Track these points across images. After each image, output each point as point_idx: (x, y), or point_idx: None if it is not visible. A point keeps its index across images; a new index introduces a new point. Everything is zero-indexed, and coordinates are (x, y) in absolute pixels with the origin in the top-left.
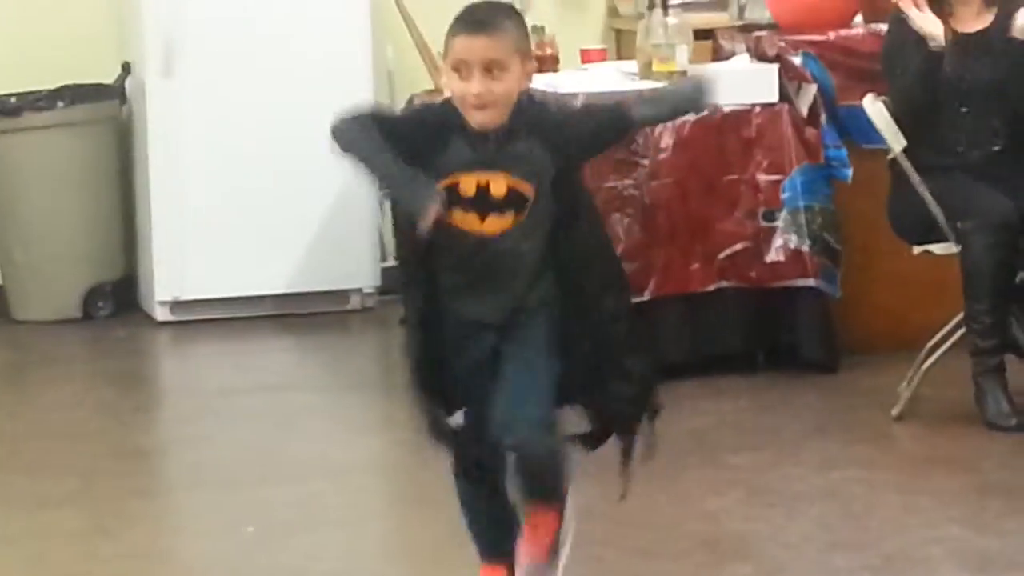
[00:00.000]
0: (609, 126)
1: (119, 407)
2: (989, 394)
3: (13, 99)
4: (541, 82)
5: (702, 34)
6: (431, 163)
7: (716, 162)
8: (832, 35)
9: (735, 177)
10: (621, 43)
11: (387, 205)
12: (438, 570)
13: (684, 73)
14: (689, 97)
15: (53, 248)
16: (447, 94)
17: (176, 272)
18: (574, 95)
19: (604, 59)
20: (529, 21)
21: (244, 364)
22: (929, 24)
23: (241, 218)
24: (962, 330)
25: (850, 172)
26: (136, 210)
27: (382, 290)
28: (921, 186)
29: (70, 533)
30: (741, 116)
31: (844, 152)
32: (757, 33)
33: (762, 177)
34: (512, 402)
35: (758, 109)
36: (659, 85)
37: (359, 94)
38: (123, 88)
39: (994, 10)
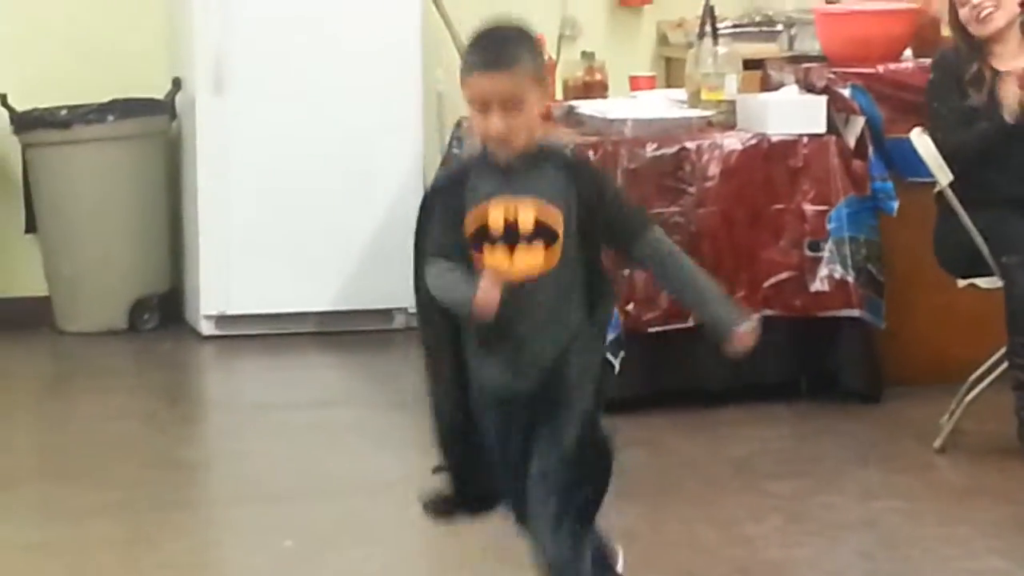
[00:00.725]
0: (625, 226)
1: (163, 419)
2: None
3: (64, 112)
4: (590, 108)
5: (751, 64)
6: (466, 205)
7: (763, 191)
8: (881, 68)
9: (781, 207)
10: (670, 71)
11: None
12: None
13: (733, 103)
14: (716, 301)
15: (100, 260)
16: None
17: (222, 286)
18: (623, 121)
19: (653, 86)
20: (579, 47)
21: (287, 380)
22: (1011, 96)
23: (287, 235)
24: (1005, 364)
25: (896, 204)
26: (183, 224)
27: None
28: (966, 219)
29: (112, 543)
30: (789, 146)
31: (890, 185)
32: (806, 64)
33: (808, 207)
34: (555, 515)
35: (806, 140)
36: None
37: (408, 115)
38: (173, 103)
39: None
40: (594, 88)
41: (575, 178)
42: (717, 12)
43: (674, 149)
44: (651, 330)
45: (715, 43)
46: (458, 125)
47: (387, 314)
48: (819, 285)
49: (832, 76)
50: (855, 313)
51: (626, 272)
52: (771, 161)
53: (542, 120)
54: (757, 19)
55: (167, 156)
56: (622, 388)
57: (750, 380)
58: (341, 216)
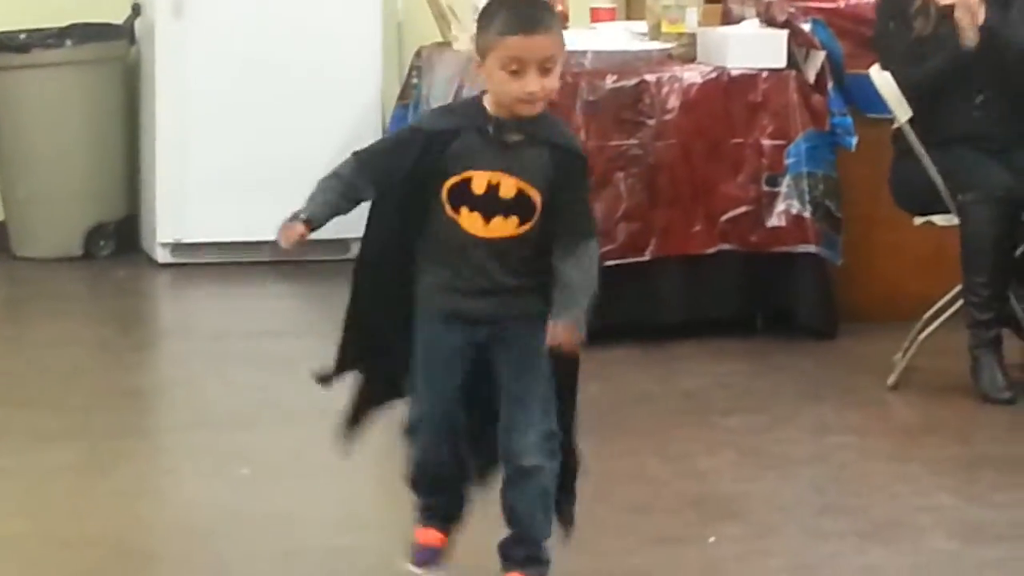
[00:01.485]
0: (572, 226)
1: (117, 346)
2: (985, 367)
3: (22, 36)
4: None
5: None
6: (447, 152)
7: (721, 125)
8: (842, 3)
9: (740, 141)
10: (631, 3)
11: None
12: None
13: (693, 36)
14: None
15: (56, 186)
16: (455, 47)
17: (178, 214)
18: (583, 53)
19: (613, 18)
20: None
21: (243, 308)
22: (967, 21)
23: (245, 163)
24: (960, 302)
25: (855, 140)
26: (140, 151)
27: None
28: (924, 157)
29: (65, 468)
30: (748, 80)
31: (850, 120)
32: None
33: (767, 142)
34: (525, 417)
35: (765, 74)
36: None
37: (367, 45)
38: (132, 28)
39: None
40: None
41: (560, 161)
42: None
43: (634, 82)
44: (607, 263)
45: None
46: (417, 55)
47: (343, 244)
48: (776, 220)
49: (793, 10)
50: (811, 249)
51: None
52: (730, 95)
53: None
54: None
55: (125, 82)
56: None
57: (705, 315)
58: (298, 145)
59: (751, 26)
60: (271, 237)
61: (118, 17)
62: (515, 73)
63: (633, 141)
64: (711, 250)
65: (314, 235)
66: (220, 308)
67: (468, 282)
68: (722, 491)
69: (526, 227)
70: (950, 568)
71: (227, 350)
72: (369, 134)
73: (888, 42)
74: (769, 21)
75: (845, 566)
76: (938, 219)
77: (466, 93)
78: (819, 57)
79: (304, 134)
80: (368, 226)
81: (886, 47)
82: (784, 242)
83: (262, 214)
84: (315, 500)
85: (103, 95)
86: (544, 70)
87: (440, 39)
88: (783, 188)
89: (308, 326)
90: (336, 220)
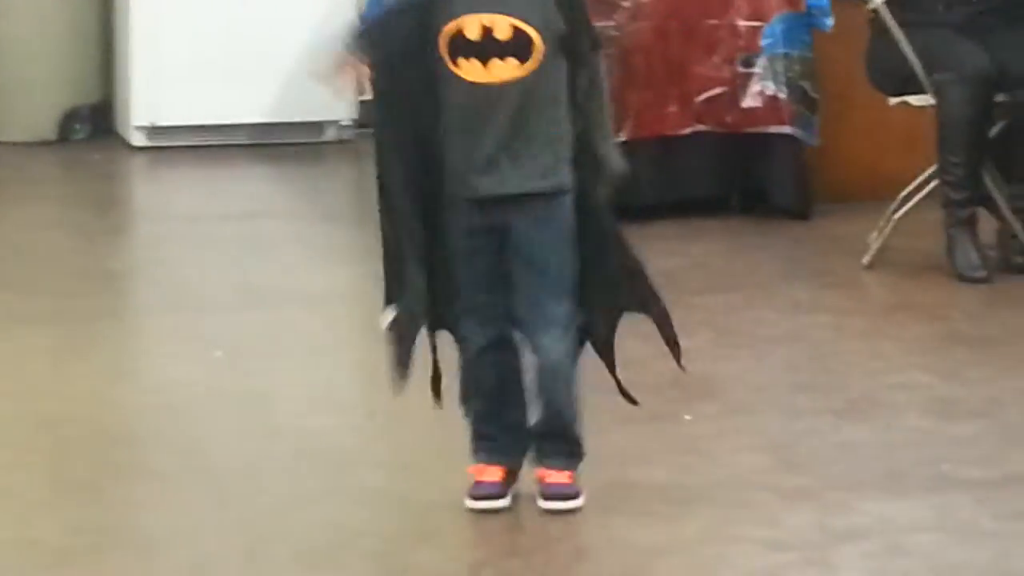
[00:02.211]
0: (576, 39)
1: (92, 229)
2: (959, 245)
3: None
4: None
5: None
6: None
7: (697, 6)
8: None
9: (715, 22)
10: None
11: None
12: (407, 398)
13: None
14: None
15: (30, 69)
16: None
17: (153, 98)
18: None
19: None
20: None
21: (218, 191)
22: None
23: (220, 46)
24: (935, 181)
25: (831, 21)
26: (115, 34)
27: (359, 123)
28: (901, 38)
29: (40, 350)
30: None
31: (826, 1)
32: None
33: (742, 23)
34: (541, 298)
35: None
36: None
37: None
38: None
39: None
40: None
41: None
42: None
43: None
44: None
45: None
46: None
47: (318, 126)
48: (751, 101)
49: None
50: (786, 130)
51: None
52: None
53: None
54: None
55: None
56: None
57: (681, 195)
58: (274, 28)
59: None
60: (246, 120)
61: None
62: None
63: (609, 23)
64: (686, 131)
65: (288, 117)
66: (195, 191)
67: (484, 154)
68: (699, 370)
69: (529, 66)
70: (924, 444)
71: (202, 233)
72: (344, 18)
73: None
74: None
75: (820, 443)
76: (913, 99)
77: None
78: None
79: (279, 16)
80: (381, 149)
81: None
82: (759, 123)
83: (237, 97)
84: (291, 381)
85: None
86: None
87: None
88: (758, 69)
89: (283, 208)
90: (312, 103)
